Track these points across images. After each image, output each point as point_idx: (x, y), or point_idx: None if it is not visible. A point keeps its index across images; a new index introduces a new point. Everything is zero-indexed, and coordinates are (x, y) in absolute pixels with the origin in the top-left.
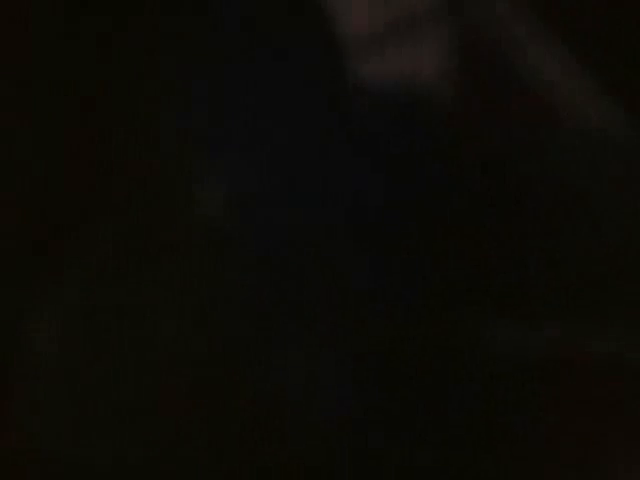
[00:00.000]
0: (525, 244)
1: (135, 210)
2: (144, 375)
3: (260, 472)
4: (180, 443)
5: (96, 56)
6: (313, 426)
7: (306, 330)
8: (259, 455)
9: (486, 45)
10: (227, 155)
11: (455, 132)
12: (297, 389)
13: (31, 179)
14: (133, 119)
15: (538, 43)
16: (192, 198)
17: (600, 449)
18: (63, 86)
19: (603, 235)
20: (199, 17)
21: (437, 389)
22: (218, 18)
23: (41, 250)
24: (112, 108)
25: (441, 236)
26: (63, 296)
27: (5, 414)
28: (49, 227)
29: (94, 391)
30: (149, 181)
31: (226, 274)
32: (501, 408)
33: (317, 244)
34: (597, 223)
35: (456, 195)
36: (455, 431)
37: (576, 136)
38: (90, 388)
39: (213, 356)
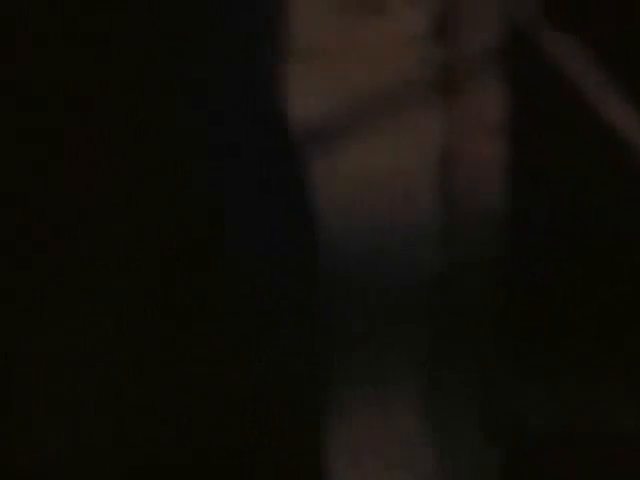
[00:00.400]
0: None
1: (134, 210)
2: (145, 372)
3: (261, 470)
4: (181, 441)
5: (96, 56)
6: (309, 425)
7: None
8: (258, 453)
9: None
10: (227, 155)
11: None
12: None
13: (31, 179)
14: (133, 119)
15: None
16: (192, 197)
17: None
18: (63, 86)
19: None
20: (199, 17)
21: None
22: (218, 19)
23: (41, 250)
24: (112, 108)
25: None
26: (63, 296)
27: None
28: (49, 227)
29: (95, 390)
30: (148, 181)
31: (226, 272)
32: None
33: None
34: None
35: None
36: None
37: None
38: (91, 387)
39: (212, 353)
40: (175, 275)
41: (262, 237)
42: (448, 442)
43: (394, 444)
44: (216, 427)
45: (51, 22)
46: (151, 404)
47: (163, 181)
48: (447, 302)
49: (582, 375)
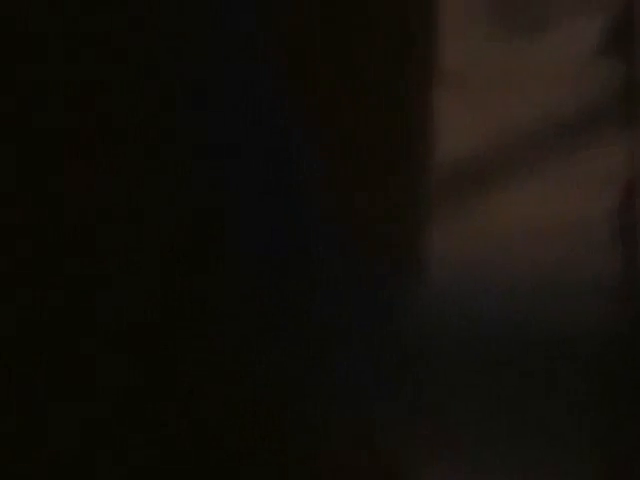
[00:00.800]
0: None
1: (134, 210)
2: (144, 374)
3: (262, 472)
4: (181, 442)
5: (96, 56)
6: (314, 428)
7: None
8: (259, 455)
9: None
10: (227, 156)
11: None
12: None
13: (30, 179)
14: (133, 119)
15: None
16: (192, 198)
17: None
18: (62, 86)
19: None
20: (199, 17)
21: None
22: (218, 18)
23: (41, 251)
24: (112, 108)
25: None
26: (63, 297)
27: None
28: (48, 227)
29: (94, 391)
30: (148, 182)
31: (226, 273)
32: None
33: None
34: None
35: None
36: None
37: None
38: (90, 388)
39: (212, 355)
40: (175, 276)
41: (262, 238)
42: None
43: None
44: (216, 428)
45: (51, 22)
46: (151, 406)
47: (163, 181)
48: (623, 358)
49: None
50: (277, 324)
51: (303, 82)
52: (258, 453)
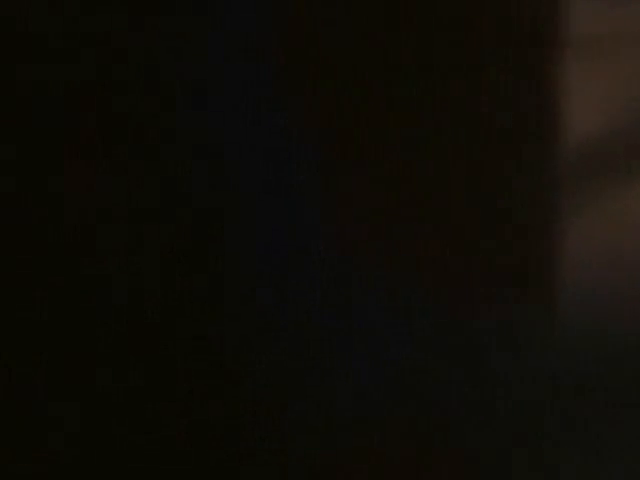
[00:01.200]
0: None
1: (135, 210)
2: (145, 374)
3: (262, 472)
4: (181, 442)
5: (96, 56)
6: (314, 427)
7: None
8: (258, 455)
9: None
10: (227, 156)
11: None
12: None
13: (31, 179)
14: (133, 119)
15: None
16: (192, 198)
17: None
18: (63, 86)
19: None
20: (199, 17)
21: None
22: (218, 18)
23: (42, 250)
24: (112, 109)
25: None
26: (64, 298)
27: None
28: (49, 227)
29: (95, 391)
30: (148, 182)
31: (226, 273)
32: None
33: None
34: None
35: None
36: None
37: None
38: (92, 388)
39: (212, 354)
40: (175, 276)
41: (262, 238)
42: None
43: None
44: (216, 428)
45: (51, 22)
46: (151, 406)
47: (163, 181)
48: None
49: None
50: (277, 324)
51: (303, 82)
52: (258, 453)
